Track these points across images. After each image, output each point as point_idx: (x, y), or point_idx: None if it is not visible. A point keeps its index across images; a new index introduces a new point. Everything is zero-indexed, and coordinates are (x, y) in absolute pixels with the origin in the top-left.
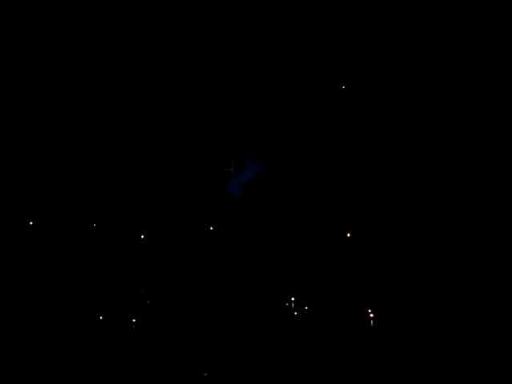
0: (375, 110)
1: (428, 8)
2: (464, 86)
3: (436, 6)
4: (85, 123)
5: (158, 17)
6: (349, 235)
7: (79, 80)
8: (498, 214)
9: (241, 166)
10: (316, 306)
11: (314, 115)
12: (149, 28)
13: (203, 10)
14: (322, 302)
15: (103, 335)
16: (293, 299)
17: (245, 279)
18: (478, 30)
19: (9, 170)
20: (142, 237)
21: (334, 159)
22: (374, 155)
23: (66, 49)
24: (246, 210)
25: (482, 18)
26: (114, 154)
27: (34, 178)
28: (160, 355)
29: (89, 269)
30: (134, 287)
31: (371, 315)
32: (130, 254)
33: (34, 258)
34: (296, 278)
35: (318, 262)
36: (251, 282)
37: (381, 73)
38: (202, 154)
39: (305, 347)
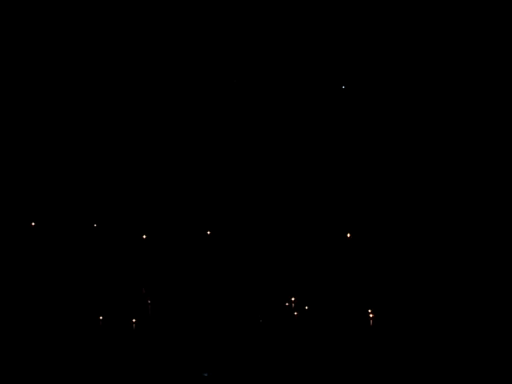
0: (375, 110)
1: (428, 8)
2: (464, 86)
3: (436, 6)
4: (86, 124)
5: (158, 17)
6: (349, 235)
7: (79, 80)
8: (498, 213)
9: None
10: (316, 305)
11: (314, 115)
12: (149, 28)
13: (203, 10)
14: (322, 302)
15: (103, 335)
16: (293, 299)
17: (245, 279)
18: (478, 29)
19: (10, 172)
20: (144, 237)
21: (334, 159)
22: (374, 155)
23: (66, 49)
24: (245, 209)
25: (481, 18)
26: (114, 155)
27: (35, 179)
28: (160, 355)
29: (89, 269)
30: (134, 287)
31: (371, 315)
32: (130, 254)
33: (36, 258)
34: (296, 278)
35: (317, 262)
36: (251, 282)
37: (381, 73)
38: (203, 155)
39: (305, 347)
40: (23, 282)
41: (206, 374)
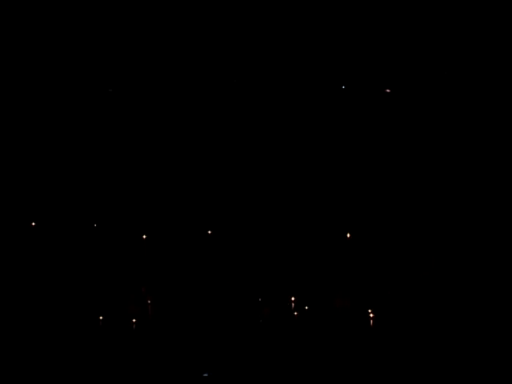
0: (375, 110)
1: (428, 8)
2: (464, 87)
3: (436, 6)
4: (86, 125)
5: (159, 17)
6: (349, 236)
7: (80, 81)
8: (498, 214)
9: None
10: (316, 305)
11: (314, 115)
12: (149, 29)
13: (203, 11)
14: (322, 302)
15: (103, 335)
16: (293, 299)
17: (245, 279)
18: (478, 30)
19: (10, 172)
20: (144, 237)
21: (334, 159)
22: (374, 155)
23: (66, 49)
24: (246, 210)
25: (482, 18)
26: (114, 156)
27: (35, 179)
28: (160, 355)
29: (89, 269)
30: (134, 287)
31: (371, 315)
32: (130, 254)
33: (36, 258)
34: (296, 278)
35: (318, 262)
36: (251, 282)
37: (381, 73)
38: (203, 155)
39: (305, 347)
40: (23, 281)
41: (206, 374)
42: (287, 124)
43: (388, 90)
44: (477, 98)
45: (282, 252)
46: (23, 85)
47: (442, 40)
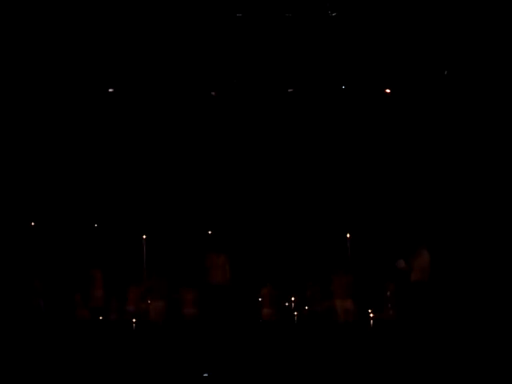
0: (375, 110)
1: (428, 8)
2: (464, 87)
3: (436, 6)
4: (86, 124)
5: (159, 18)
6: (348, 235)
7: (79, 81)
8: (498, 218)
9: None
10: (316, 305)
11: (314, 115)
12: (149, 29)
13: (203, 11)
14: (322, 302)
15: (103, 335)
16: (293, 299)
17: (245, 279)
18: (477, 30)
19: (10, 171)
20: (144, 237)
21: (333, 159)
22: (374, 155)
23: (66, 49)
24: (246, 209)
25: (482, 18)
26: (115, 155)
27: (35, 179)
28: (160, 355)
29: (89, 269)
30: (134, 287)
31: (371, 315)
32: (130, 254)
33: (36, 258)
34: (296, 278)
35: (317, 262)
36: (251, 282)
37: (381, 73)
38: (203, 155)
39: (305, 347)
40: (23, 281)
41: (206, 374)
42: (287, 124)
43: (388, 90)
44: (477, 97)
45: (282, 252)
46: (23, 84)
47: (442, 40)
